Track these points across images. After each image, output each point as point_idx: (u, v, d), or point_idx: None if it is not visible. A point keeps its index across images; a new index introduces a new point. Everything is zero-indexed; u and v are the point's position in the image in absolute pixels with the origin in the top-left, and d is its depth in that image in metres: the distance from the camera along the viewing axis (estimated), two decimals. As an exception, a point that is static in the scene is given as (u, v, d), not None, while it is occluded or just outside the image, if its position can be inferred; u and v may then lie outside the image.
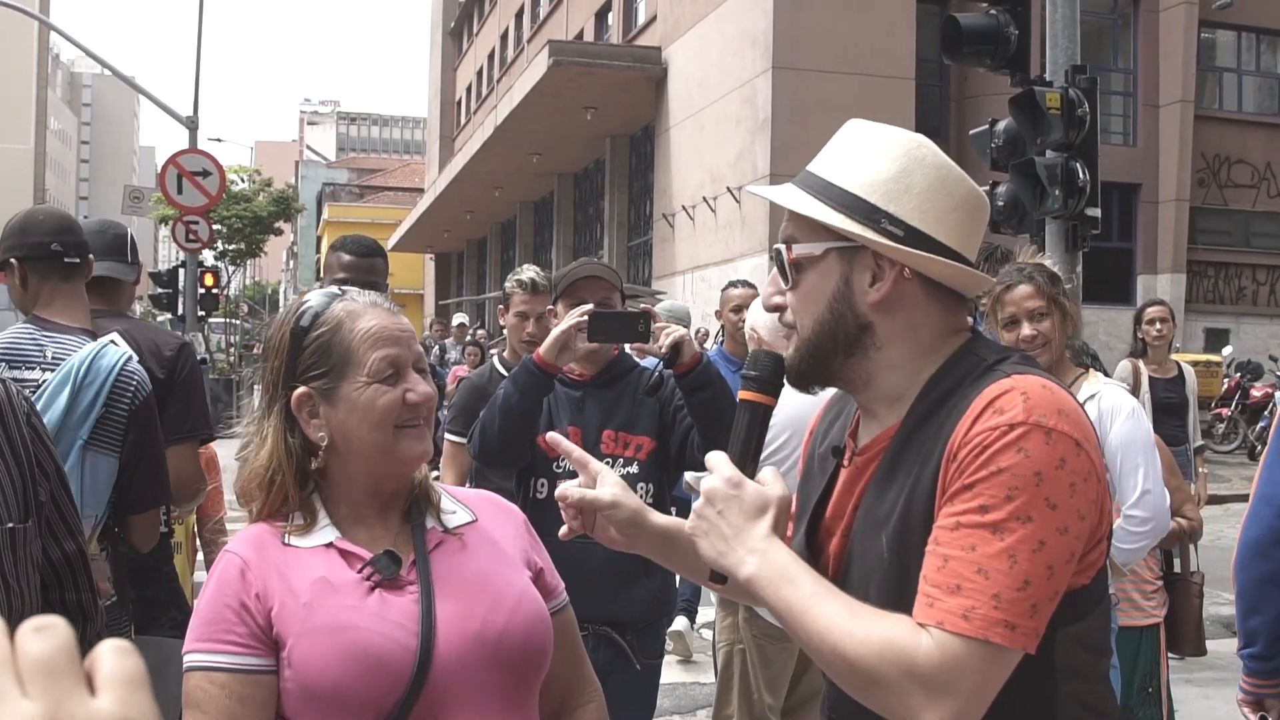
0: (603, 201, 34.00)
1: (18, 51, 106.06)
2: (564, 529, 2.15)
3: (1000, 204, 9.00)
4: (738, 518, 1.83)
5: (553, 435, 2.31)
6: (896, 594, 1.76)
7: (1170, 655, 5.30)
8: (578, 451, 2.24)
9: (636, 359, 4.46)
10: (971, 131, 9.62)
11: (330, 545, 2.08)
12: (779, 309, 2.00)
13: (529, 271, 5.07)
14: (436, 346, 20.35)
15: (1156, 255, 26.39)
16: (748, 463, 1.93)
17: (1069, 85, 8.77)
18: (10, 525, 2.14)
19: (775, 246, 1.99)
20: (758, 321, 4.86)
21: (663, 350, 3.95)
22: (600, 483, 2.17)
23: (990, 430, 1.70)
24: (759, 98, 23.20)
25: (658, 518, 2.21)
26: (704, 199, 25.19)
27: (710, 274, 24.57)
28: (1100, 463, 1.77)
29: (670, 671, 7.67)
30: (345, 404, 2.08)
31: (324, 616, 1.99)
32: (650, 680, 4.29)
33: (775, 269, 2.00)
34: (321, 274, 5.04)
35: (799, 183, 1.97)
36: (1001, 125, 9.06)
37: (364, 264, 4.65)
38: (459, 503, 2.27)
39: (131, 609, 4.09)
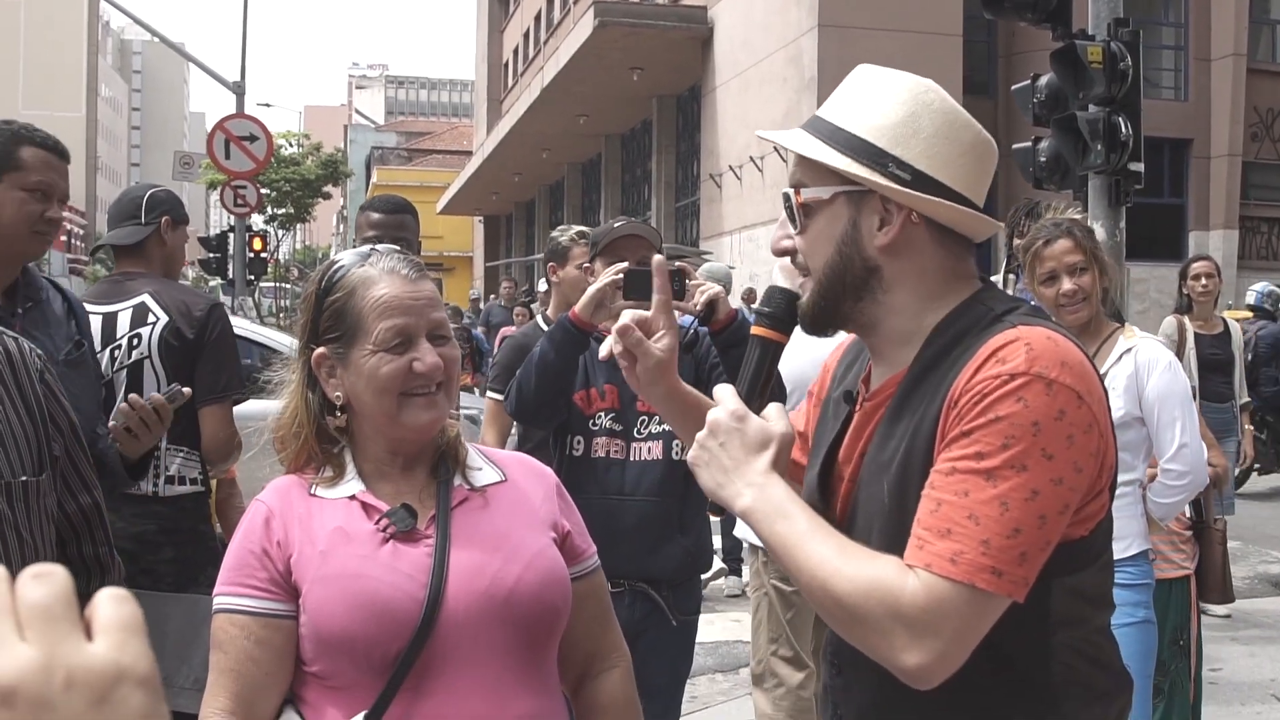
0: (650, 162, 33.90)
1: (68, 19, 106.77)
2: (604, 349, 2.28)
3: (1042, 159, 8.94)
4: (739, 450, 1.86)
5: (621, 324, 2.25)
6: (895, 539, 1.78)
7: (1201, 606, 5.29)
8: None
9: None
10: (1014, 86, 9.57)
11: (353, 498, 2.14)
12: (788, 252, 2.03)
13: (576, 228, 5.10)
14: (485, 309, 20.40)
15: (1209, 211, 26.05)
16: (755, 398, 1.95)
17: (1111, 39, 8.68)
18: (24, 479, 2.19)
19: (784, 190, 2.01)
20: (777, 274, 4.89)
21: (698, 308, 3.97)
22: (660, 340, 2.21)
23: (991, 379, 1.71)
24: (805, 56, 23.02)
25: (688, 391, 2.28)
26: (751, 159, 25.06)
27: (758, 234, 24.48)
28: (1105, 417, 1.78)
29: (713, 629, 7.73)
30: (354, 369, 2.13)
31: (336, 564, 2.05)
32: (687, 636, 4.33)
33: (785, 213, 2.02)
34: (354, 234, 5.08)
35: (808, 127, 1.98)
36: (1044, 80, 8.99)
37: (392, 220, 4.66)
38: (489, 462, 2.31)
39: (171, 568, 4.18)
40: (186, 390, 3.70)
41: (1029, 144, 9.07)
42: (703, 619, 4.51)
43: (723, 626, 8.13)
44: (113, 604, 0.67)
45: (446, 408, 2.19)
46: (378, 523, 2.10)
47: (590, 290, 3.97)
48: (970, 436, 1.71)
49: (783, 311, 2.00)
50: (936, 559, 1.67)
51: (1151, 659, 4.30)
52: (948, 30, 22.76)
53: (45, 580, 0.65)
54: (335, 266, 2.21)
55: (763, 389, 1.97)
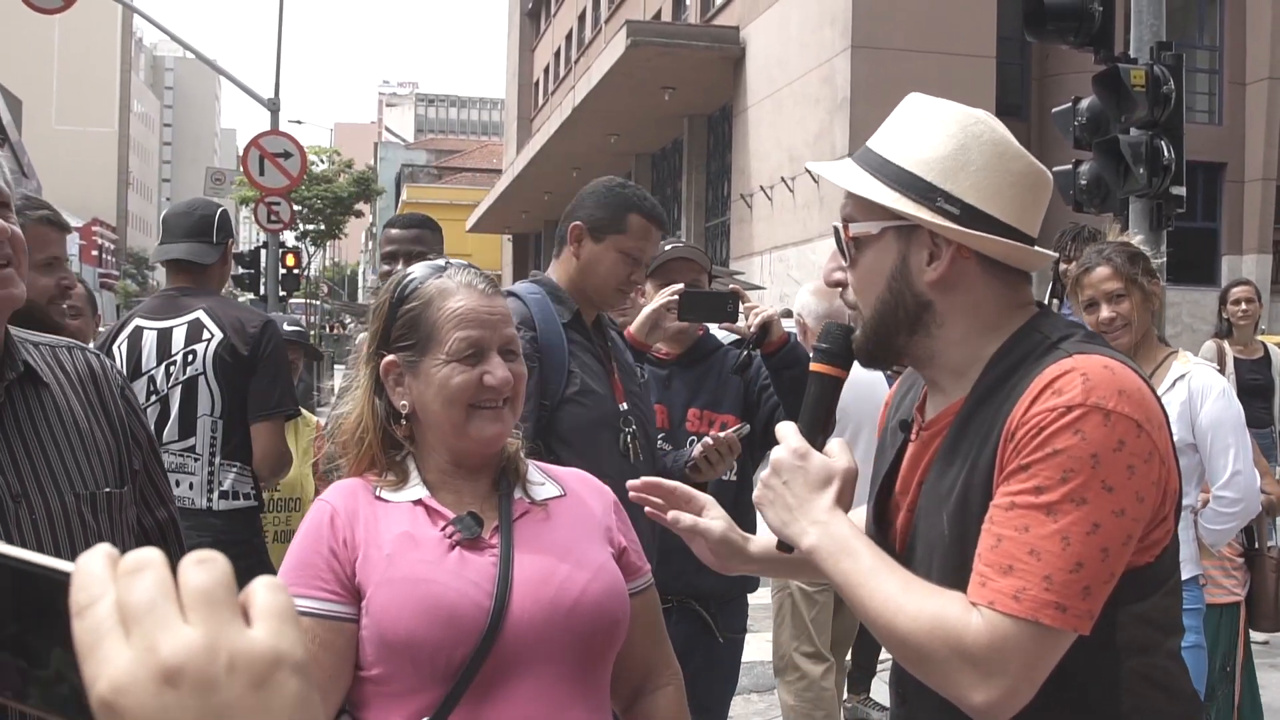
0: (680, 182, 33.97)
1: (102, 35, 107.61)
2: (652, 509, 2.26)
3: (1083, 183, 8.90)
4: (802, 488, 1.87)
5: (646, 480, 2.31)
6: (956, 571, 1.77)
7: (1251, 633, 5.26)
8: (681, 487, 2.28)
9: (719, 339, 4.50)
10: (1054, 109, 9.52)
11: (419, 502, 2.16)
12: (840, 284, 2.05)
13: None
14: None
15: (1242, 236, 25.91)
16: (816, 434, 1.95)
17: (1154, 62, 8.64)
18: (107, 490, 2.23)
19: (834, 224, 1.99)
20: (804, 307, 4.91)
21: (751, 330, 3.98)
22: (708, 513, 2.23)
23: (1048, 411, 1.70)
24: (838, 77, 23.05)
25: (756, 546, 2.25)
26: (782, 179, 25.10)
27: (788, 254, 24.49)
28: (1166, 443, 1.75)
29: (748, 649, 7.68)
30: (424, 378, 2.16)
31: (403, 568, 2.06)
32: (733, 654, 4.33)
33: (836, 246, 2.01)
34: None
35: (859, 159, 1.95)
36: (1085, 103, 8.95)
37: (409, 235, 4.75)
38: (549, 477, 2.33)
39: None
40: (745, 429, 3.78)
41: (1069, 167, 9.03)
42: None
43: (757, 646, 8.08)
44: (269, 592, 0.69)
45: (511, 422, 2.21)
46: (444, 529, 2.12)
47: (645, 311, 4.02)
48: (1028, 470, 1.69)
49: (840, 347, 1.99)
50: (999, 596, 1.66)
51: (1202, 684, 4.28)
52: (981, 52, 22.77)
53: (208, 566, 0.67)
54: (409, 277, 2.24)
55: (823, 425, 1.97)
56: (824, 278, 2.17)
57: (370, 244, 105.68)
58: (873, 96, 21.96)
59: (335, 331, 26.02)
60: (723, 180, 31.15)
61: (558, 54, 52.59)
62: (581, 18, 47.97)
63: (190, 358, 4.29)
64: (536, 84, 57.84)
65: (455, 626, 2.01)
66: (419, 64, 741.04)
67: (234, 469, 4.33)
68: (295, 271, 24.20)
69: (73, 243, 57.75)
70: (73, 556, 1.99)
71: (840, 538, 1.80)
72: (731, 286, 4.05)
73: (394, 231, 4.79)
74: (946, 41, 22.20)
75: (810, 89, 24.29)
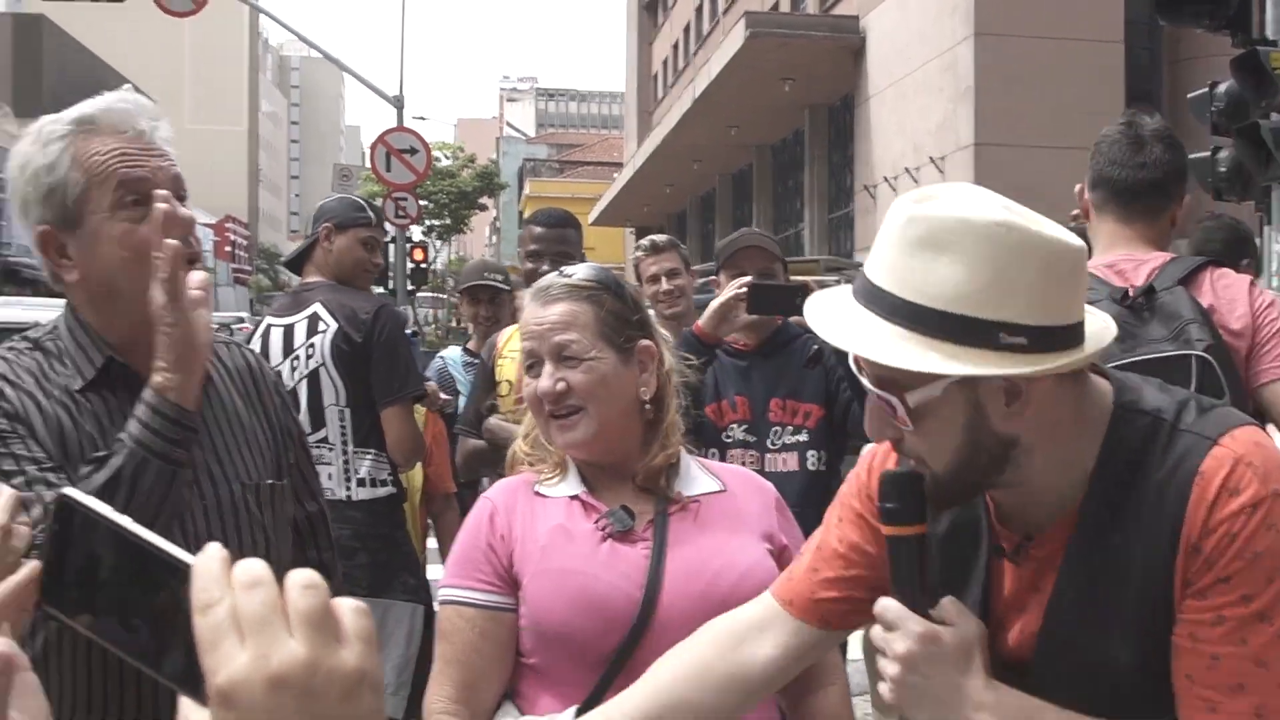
0: (802, 173, 33.77)
1: (230, 37, 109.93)
2: None
3: (1222, 170, 8.70)
4: (949, 673, 1.67)
5: None
6: (1149, 700, 1.65)
7: None
8: None
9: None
10: (1190, 95, 9.31)
11: (575, 497, 2.24)
12: (895, 440, 1.73)
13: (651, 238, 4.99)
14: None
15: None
16: (922, 601, 1.71)
17: (1295, 45, 8.43)
18: (270, 481, 2.31)
19: (871, 390, 1.67)
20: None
21: None
22: None
23: (1234, 516, 1.56)
24: (960, 65, 22.72)
25: None
26: (906, 169, 24.83)
27: (912, 245, 24.23)
28: None
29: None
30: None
31: (557, 560, 2.14)
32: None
33: (872, 402, 1.70)
34: (519, 247, 5.18)
35: (881, 307, 1.62)
36: (1223, 88, 8.74)
37: (554, 234, 4.75)
38: (708, 473, 2.37)
39: (366, 573, 4.26)
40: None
41: (1207, 154, 8.83)
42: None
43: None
44: (357, 616, 0.81)
45: (589, 429, 2.23)
46: (597, 522, 2.19)
47: (714, 304, 3.93)
48: (1230, 582, 1.57)
49: (913, 500, 1.71)
50: (1240, 718, 1.56)
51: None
52: (1109, 37, 22.26)
53: (313, 592, 0.80)
54: None
55: (927, 586, 1.72)
56: (872, 433, 1.69)
57: (495, 238, 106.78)
58: (996, 84, 21.65)
59: (461, 325, 26.26)
60: (845, 171, 30.91)
61: (676, 46, 52.57)
62: (699, 10, 47.90)
63: (310, 350, 4.35)
64: (655, 77, 57.88)
65: (605, 617, 2.09)
66: (539, 58, 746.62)
67: (369, 456, 4.36)
68: (423, 266, 24.56)
69: (207, 239, 59.19)
70: (240, 546, 2.09)
71: (1014, 708, 1.66)
72: (801, 279, 3.99)
73: (537, 230, 4.78)
74: (1072, 26, 21.72)
75: (932, 78, 23.98)
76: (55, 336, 2.18)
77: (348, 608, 0.81)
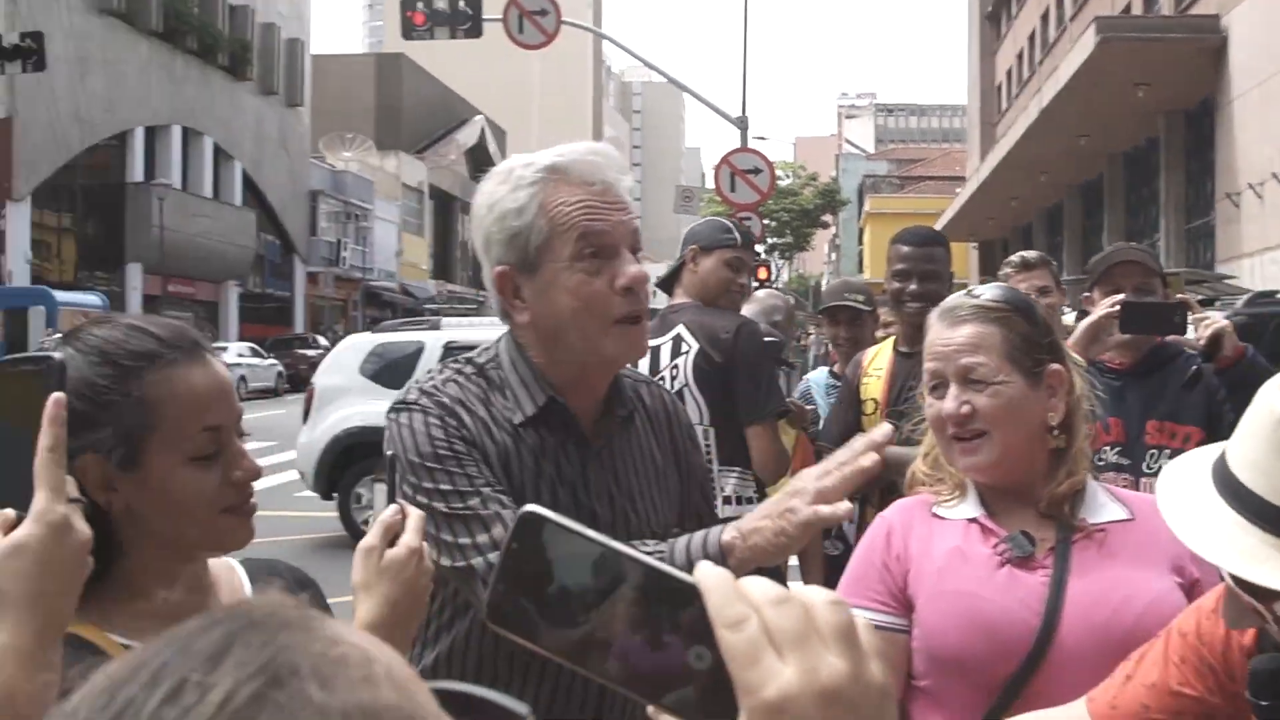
0: (1157, 181, 32.31)
1: (576, 65, 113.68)
2: None
3: None
4: None
5: None
6: None
7: None
8: None
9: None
10: None
11: (973, 520, 2.20)
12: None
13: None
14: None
15: None
16: None
17: None
18: (676, 529, 2.29)
19: (1226, 610, 1.57)
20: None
21: (1201, 343, 3.77)
22: None
23: None
24: (1335, 62, 21.39)
25: None
26: (1273, 175, 23.44)
27: (1280, 255, 22.90)
28: None
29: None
30: None
31: (952, 583, 2.11)
32: None
33: (1227, 605, 1.56)
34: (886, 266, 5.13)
35: (1251, 512, 1.45)
36: None
37: (921, 253, 4.62)
38: (1116, 500, 2.27)
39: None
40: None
41: None
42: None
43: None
44: (869, 634, 0.81)
45: (991, 453, 2.20)
46: (995, 546, 2.14)
47: (1085, 322, 3.83)
48: None
49: None
50: None
51: None
52: None
53: (840, 609, 0.79)
54: None
55: None
56: (1229, 625, 1.49)
57: (834, 255, 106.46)
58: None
59: (803, 343, 26.34)
60: (1204, 179, 29.43)
61: (1020, 56, 51.28)
62: (1045, 17, 46.59)
63: (674, 372, 4.42)
64: (999, 88, 56.60)
65: (999, 642, 2.05)
66: (877, 74, 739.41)
67: (734, 474, 4.42)
68: (766, 284, 24.79)
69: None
70: None
71: None
72: (1180, 296, 3.81)
73: (905, 249, 4.65)
74: None
75: (1303, 77, 22.62)
76: (497, 365, 2.23)
77: (863, 624, 0.81)
